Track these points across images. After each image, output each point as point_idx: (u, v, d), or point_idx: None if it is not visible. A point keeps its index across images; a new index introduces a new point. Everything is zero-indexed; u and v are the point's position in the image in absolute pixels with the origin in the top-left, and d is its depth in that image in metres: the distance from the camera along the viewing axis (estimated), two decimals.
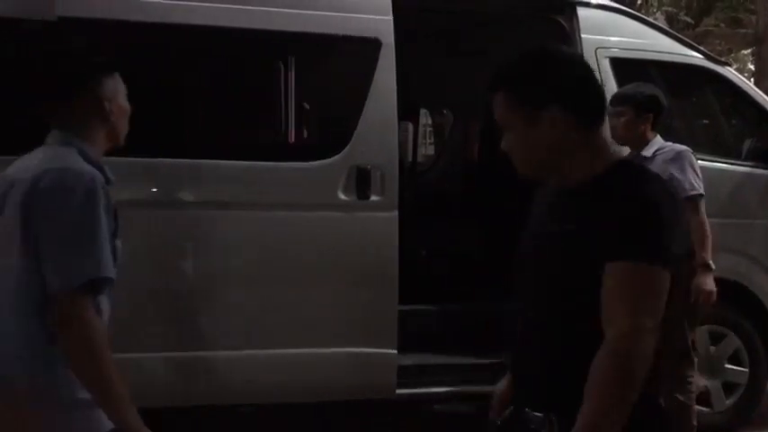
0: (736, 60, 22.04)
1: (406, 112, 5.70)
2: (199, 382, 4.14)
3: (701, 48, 5.47)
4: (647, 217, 1.78)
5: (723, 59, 10.21)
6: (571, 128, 1.88)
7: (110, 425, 2.29)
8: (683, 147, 4.38)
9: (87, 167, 2.34)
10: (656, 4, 19.24)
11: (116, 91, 2.54)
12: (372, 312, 4.27)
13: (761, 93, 5.47)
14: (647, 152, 4.30)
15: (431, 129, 10.43)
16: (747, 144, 5.29)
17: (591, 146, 1.92)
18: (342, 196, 4.23)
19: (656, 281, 1.77)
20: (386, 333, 4.29)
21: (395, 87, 4.31)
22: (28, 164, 2.42)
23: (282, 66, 4.23)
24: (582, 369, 1.74)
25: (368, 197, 4.25)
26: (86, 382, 2.28)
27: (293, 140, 4.31)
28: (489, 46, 5.54)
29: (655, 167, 3.99)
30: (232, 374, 4.12)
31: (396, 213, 4.29)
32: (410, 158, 6.84)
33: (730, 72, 5.36)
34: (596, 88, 1.97)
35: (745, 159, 5.17)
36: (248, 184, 4.14)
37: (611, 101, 4.31)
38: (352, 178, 4.24)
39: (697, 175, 4.29)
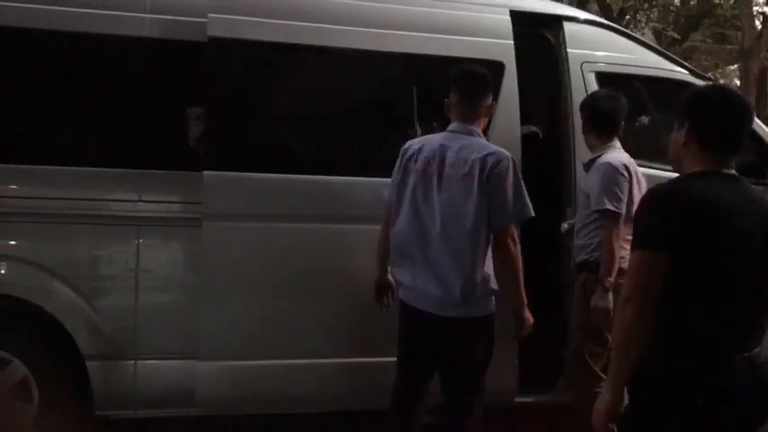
0: (722, 75, 22.39)
1: None
2: None
3: (686, 63, 5.43)
4: None
5: (710, 74, 10.05)
6: None
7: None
8: (615, 158, 4.23)
9: (506, 152, 3.65)
10: (644, 19, 19.28)
11: (491, 96, 3.83)
12: None
13: None
14: (591, 156, 4.35)
15: None
16: None
17: None
18: None
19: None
20: None
21: (518, 108, 4.52)
22: (437, 141, 3.69)
23: (414, 86, 4.45)
24: None
25: None
26: (508, 276, 3.62)
27: None
28: None
29: (589, 176, 4.27)
30: None
31: None
32: None
33: None
34: None
35: None
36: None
37: None
38: None
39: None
